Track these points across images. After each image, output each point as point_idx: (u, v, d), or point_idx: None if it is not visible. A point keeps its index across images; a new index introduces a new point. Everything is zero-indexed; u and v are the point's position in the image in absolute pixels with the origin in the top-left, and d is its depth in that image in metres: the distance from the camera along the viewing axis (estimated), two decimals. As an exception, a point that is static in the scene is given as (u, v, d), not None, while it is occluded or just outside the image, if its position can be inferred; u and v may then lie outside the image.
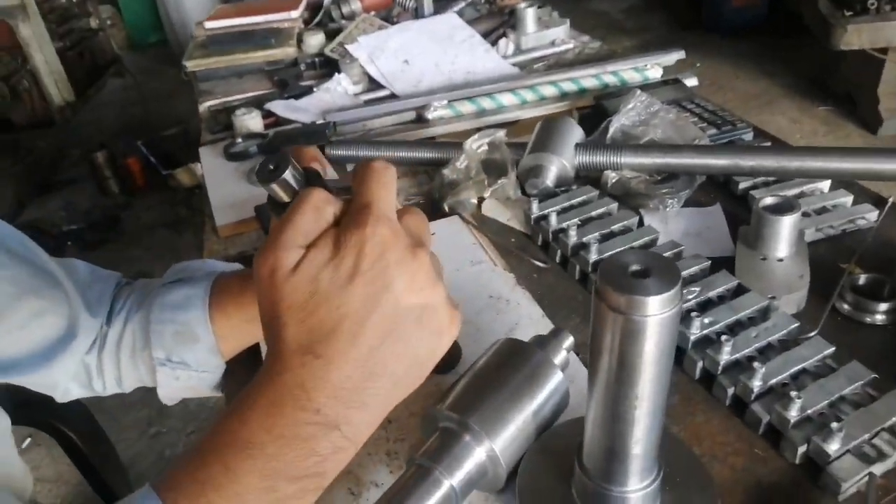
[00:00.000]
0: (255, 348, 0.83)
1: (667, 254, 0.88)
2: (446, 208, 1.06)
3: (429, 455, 0.60)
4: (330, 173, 0.58)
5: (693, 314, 0.75)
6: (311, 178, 0.51)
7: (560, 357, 0.69)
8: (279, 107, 1.40)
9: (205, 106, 1.51)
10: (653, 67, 1.40)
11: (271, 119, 1.41)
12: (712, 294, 0.81)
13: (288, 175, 0.49)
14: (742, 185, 1.01)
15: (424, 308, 0.47)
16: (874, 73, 3.13)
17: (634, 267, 0.47)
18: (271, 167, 0.50)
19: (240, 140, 1.28)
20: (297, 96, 1.48)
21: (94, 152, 3.02)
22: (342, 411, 0.44)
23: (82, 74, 2.96)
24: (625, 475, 0.55)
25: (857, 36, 2.98)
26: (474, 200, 1.06)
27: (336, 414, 0.44)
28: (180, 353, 0.76)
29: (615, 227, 0.94)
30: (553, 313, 0.86)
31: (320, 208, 0.46)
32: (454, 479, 0.59)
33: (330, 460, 0.45)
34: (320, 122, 1.32)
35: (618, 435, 0.53)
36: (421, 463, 0.60)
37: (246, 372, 0.82)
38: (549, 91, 1.37)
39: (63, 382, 0.78)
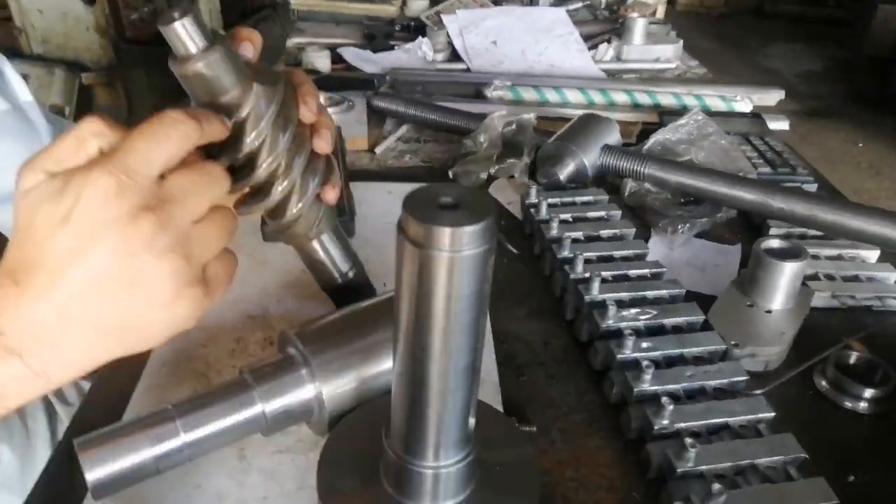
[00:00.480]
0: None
1: (645, 271, 0.78)
2: (450, 175, 1.01)
3: (256, 373, 0.56)
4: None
5: (628, 333, 0.66)
6: (216, 40, 0.49)
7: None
8: (350, 53, 1.40)
9: (292, 42, 1.55)
10: (743, 100, 1.26)
11: (341, 65, 1.42)
12: (668, 321, 0.70)
13: (180, 25, 0.47)
14: (774, 232, 0.88)
15: (138, 276, 0.43)
16: None
17: (444, 199, 0.40)
18: (175, 14, 0.47)
19: (297, 72, 1.29)
20: (378, 51, 1.47)
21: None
22: (28, 343, 0.43)
23: (235, 9, 3.15)
24: (423, 447, 0.48)
25: None
26: (484, 175, 1.00)
27: (20, 343, 0.43)
28: None
29: (604, 233, 0.85)
30: (500, 300, 0.78)
31: (84, 139, 0.43)
32: (268, 406, 0.54)
33: (9, 384, 0.44)
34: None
35: (411, 395, 0.46)
36: (245, 378, 0.55)
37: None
38: (621, 98, 1.28)
39: None
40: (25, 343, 0.43)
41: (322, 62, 1.37)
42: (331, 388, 0.56)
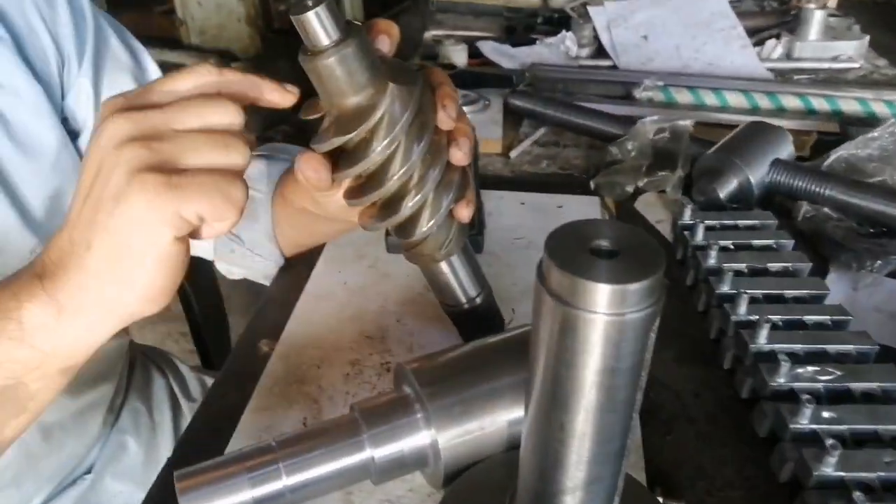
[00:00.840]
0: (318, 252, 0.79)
1: (825, 318, 0.65)
2: (592, 186, 0.91)
3: (366, 413, 0.50)
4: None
5: (805, 399, 0.54)
6: (351, 32, 0.44)
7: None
8: (488, 47, 1.33)
9: (429, 34, 1.50)
10: (948, 109, 1.07)
11: (479, 60, 1.35)
12: (857, 387, 0.58)
13: (314, 15, 0.43)
14: None
15: (105, 173, 0.42)
16: None
17: (599, 242, 0.32)
18: (309, 2, 0.43)
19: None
20: (518, 45, 1.39)
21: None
22: (50, 267, 0.44)
23: (377, 1, 3.18)
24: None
25: None
26: (630, 188, 0.90)
27: (43, 266, 0.45)
28: (238, 227, 0.74)
29: (772, 266, 0.72)
30: (642, 336, 0.69)
31: (165, 90, 0.44)
32: (378, 452, 0.49)
33: (25, 308, 0.44)
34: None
35: (544, 474, 0.38)
36: (355, 417, 0.50)
37: (298, 274, 0.78)
38: (793, 103, 1.12)
39: None
40: (49, 267, 0.45)
41: (459, 56, 1.31)
42: (448, 436, 0.49)
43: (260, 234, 0.75)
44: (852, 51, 1.35)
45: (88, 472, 0.86)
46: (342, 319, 0.69)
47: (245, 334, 0.70)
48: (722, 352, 0.66)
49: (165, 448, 0.92)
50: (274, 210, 0.74)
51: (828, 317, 0.65)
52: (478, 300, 0.60)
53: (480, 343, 0.55)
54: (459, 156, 0.52)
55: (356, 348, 0.66)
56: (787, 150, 0.87)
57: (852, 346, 0.62)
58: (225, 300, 1.26)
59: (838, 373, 0.58)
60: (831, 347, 0.62)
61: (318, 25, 0.44)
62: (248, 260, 0.77)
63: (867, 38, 1.38)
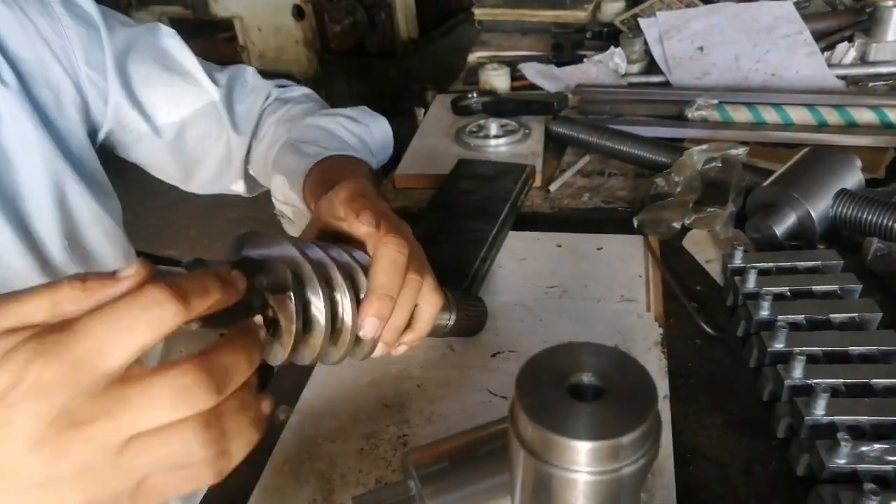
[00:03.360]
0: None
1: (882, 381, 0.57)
2: (635, 224, 0.85)
3: (367, 509, 0.46)
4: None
5: (870, 490, 0.47)
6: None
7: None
8: (530, 70, 1.27)
9: (475, 56, 1.46)
10: None
11: (524, 82, 1.30)
12: (929, 471, 0.50)
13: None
14: None
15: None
16: None
17: (581, 377, 0.27)
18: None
19: (473, 94, 1.19)
20: (564, 64, 1.33)
21: (427, 89, 3.24)
22: None
23: (431, 16, 3.16)
24: None
25: None
26: (677, 225, 0.83)
27: None
28: (292, 203, 0.81)
29: (835, 316, 0.65)
30: (688, 401, 0.62)
31: (58, 304, 0.32)
32: (377, 553, 0.45)
33: None
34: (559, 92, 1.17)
35: None
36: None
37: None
38: (866, 117, 1.02)
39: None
40: None
41: (501, 81, 1.26)
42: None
43: (303, 214, 0.78)
44: (938, 50, 1.23)
45: None
46: (362, 385, 0.66)
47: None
48: (776, 419, 0.59)
49: None
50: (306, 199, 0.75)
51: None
52: (452, 319, 0.62)
53: (490, 430, 0.50)
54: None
55: (374, 418, 0.62)
56: (854, 178, 0.78)
57: (925, 418, 0.54)
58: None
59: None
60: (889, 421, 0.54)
61: None
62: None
63: (955, 34, 1.25)
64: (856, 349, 0.61)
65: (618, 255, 0.80)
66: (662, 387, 0.63)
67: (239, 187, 0.94)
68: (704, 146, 0.84)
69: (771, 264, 0.72)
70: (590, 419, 0.26)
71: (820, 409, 0.54)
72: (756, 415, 0.61)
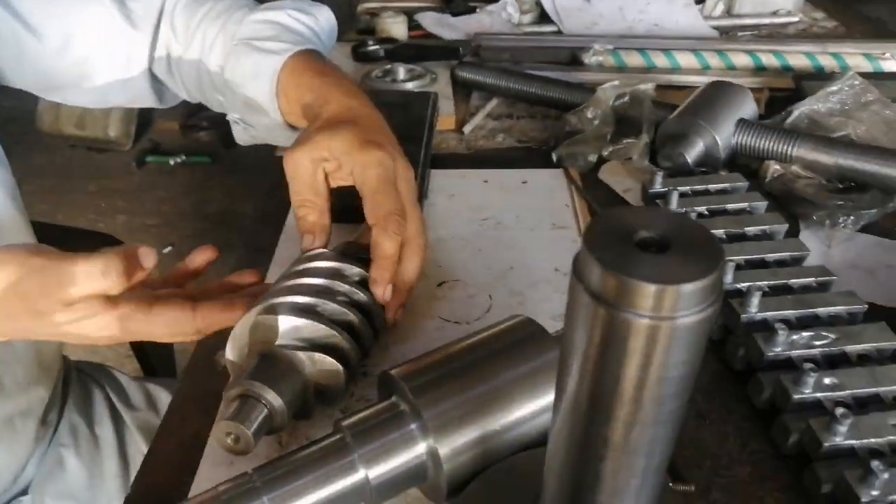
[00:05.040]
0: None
1: (810, 280, 0.64)
2: (554, 158, 0.88)
3: (355, 429, 0.45)
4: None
5: (809, 368, 0.52)
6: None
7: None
8: (428, 19, 1.27)
9: (363, 6, 1.42)
10: (894, 59, 1.08)
11: (419, 32, 1.29)
12: (852, 350, 0.56)
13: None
14: (961, 224, 0.72)
15: None
16: None
17: (646, 233, 0.28)
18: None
19: (371, 41, 1.17)
20: (459, 14, 1.33)
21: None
22: None
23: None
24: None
25: None
26: (592, 157, 0.87)
27: None
28: (251, 119, 0.73)
29: (750, 230, 0.71)
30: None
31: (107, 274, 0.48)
32: (372, 472, 0.44)
33: None
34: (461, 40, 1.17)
35: (579, 486, 0.34)
36: (343, 436, 0.45)
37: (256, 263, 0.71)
38: (742, 61, 1.11)
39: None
40: None
41: (398, 29, 1.24)
42: (449, 445, 0.45)
43: (272, 125, 0.72)
44: (790, 4, 1.35)
45: (25, 492, 0.79)
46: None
47: (197, 347, 0.64)
48: (710, 323, 0.63)
49: (110, 465, 0.85)
50: (280, 104, 0.69)
51: (812, 279, 0.64)
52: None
53: (469, 341, 0.50)
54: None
55: (328, 352, 0.61)
56: (750, 109, 0.85)
57: (843, 307, 0.60)
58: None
59: (832, 336, 0.57)
60: (822, 311, 0.60)
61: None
62: (267, 139, 0.77)
63: (803, -9, 1.38)
64: (771, 256, 0.67)
65: (543, 187, 0.83)
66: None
67: (146, 98, 0.82)
68: (615, 82, 0.88)
69: (687, 188, 0.77)
70: (657, 267, 0.26)
71: (754, 308, 0.59)
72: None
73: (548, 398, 0.47)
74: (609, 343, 0.28)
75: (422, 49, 1.14)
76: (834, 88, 0.85)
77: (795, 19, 1.32)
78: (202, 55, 0.74)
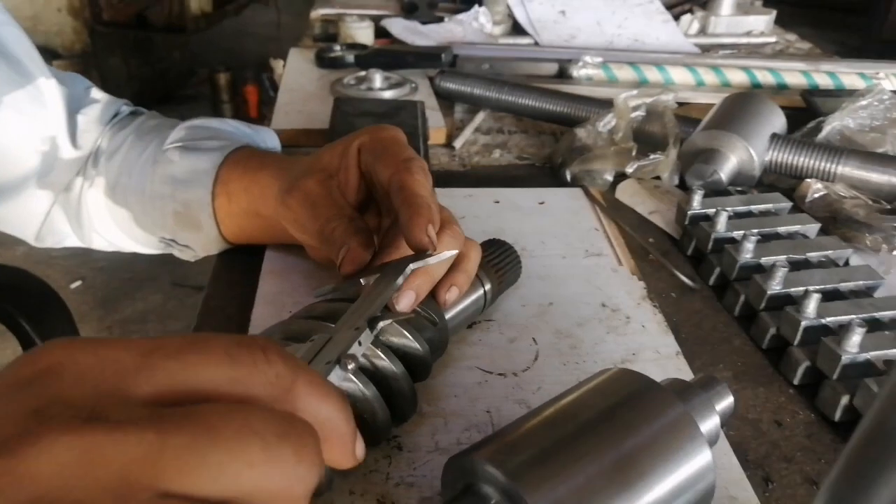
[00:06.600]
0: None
1: (889, 314, 0.55)
2: (568, 177, 0.77)
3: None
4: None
5: None
6: None
7: (710, 424, 0.39)
8: (397, 25, 1.15)
9: (318, 13, 1.29)
10: (888, 78, 1.04)
11: (385, 40, 1.17)
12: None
13: None
14: None
15: None
16: None
17: None
18: None
19: (338, 47, 1.04)
20: (426, 23, 1.23)
21: (219, 73, 2.94)
22: None
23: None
24: None
25: None
26: (609, 176, 0.77)
27: None
28: (185, 238, 0.61)
29: (812, 256, 0.62)
30: (691, 355, 0.55)
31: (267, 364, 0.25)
32: None
33: None
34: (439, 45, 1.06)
35: None
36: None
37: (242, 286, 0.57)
38: (738, 77, 1.05)
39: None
40: None
41: (365, 34, 1.12)
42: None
43: (208, 241, 0.60)
44: (763, 26, 1.33)
45: None
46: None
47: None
48: (790, 364, 0.54)
49: None
50: (216, 210, 0.57)
51: (893, 313, 0.56)
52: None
53: (559, 402, 0.38)
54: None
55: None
56: (780, 123, 0.78)
57: (950, 346, 0.52)
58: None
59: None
60: (927, 350, 0.51)
61: None
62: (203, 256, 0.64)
63: (774, 12, 1.36)
64: (845, 286, 0.59)
65: (563, 208, 0.72)
66: (668, 343, 0.55)
67: (40, 214, 0.64)
68: (633, 91, 0.79)
69: (730, 209, 0.68)
70: None
71: (854, 348, 0.50)
72: (759, 363, 0.56)
73: (687, 469, 0.35)
74: None
75: (397, 56, 1.02)
76: (862, 103, 0.79)
77: (773, 39, 1.29)
78: (127, 165, 0.61)
